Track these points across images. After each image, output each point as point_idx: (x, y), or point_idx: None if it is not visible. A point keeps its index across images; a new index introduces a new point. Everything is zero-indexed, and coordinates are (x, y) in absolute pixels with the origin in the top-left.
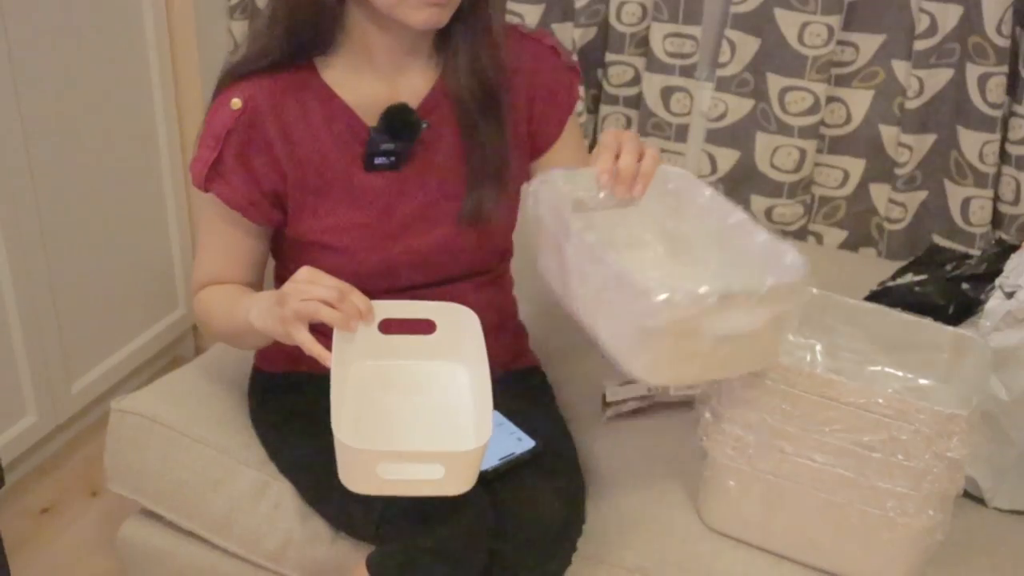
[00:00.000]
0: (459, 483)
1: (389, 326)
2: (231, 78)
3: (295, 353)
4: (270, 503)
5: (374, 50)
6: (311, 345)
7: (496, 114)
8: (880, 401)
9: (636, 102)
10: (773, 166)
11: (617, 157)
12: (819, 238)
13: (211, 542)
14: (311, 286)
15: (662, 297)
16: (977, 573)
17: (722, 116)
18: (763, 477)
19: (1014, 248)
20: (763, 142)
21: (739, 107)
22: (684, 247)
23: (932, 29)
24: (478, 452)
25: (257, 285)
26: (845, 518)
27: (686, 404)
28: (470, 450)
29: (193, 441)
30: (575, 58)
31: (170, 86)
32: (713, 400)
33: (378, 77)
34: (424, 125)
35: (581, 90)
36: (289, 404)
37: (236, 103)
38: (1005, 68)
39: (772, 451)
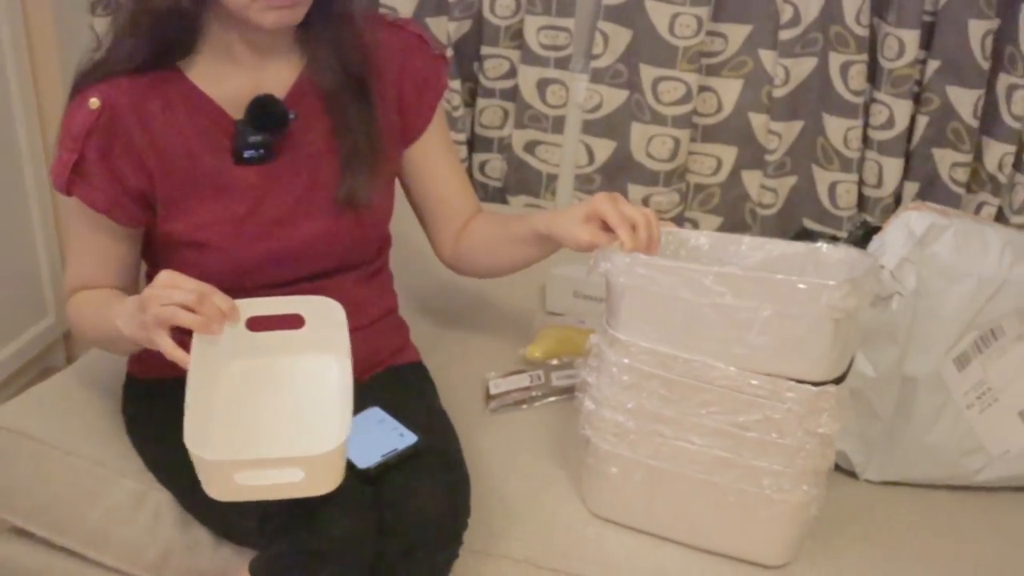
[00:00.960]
0: (322, 484)
1: (258, 323)
2: (89, 80)
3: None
4: (149, 513)
5: (234, 48)
6: (172, 350)
7: (365, 99)
8: (753, 382)
9: (512, 95)
10: (649, 155)
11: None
12: (695, 225)
13: (88, 557)
14: (170, 290)
15: (854, 277)
16: (852, 543)
17: (597, 107)
18: (644, 462)
19: (877, 229)
20: (638, 132)
21: (614, 98)
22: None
23: (796, 19)
24: (337, 452)
25: (131, 288)
26: (724, 498)
27: (568, 394)
28: (326, 452)
29: (65, 454)
30: (449, 51)
31: (29, 86)
32: (593, 388)
33: (242, 72)
34: (292, 116)
35: (457, 83)
36: (165, 410)
37: (94, 103)
38: (865, 56)
39: (652, 436)
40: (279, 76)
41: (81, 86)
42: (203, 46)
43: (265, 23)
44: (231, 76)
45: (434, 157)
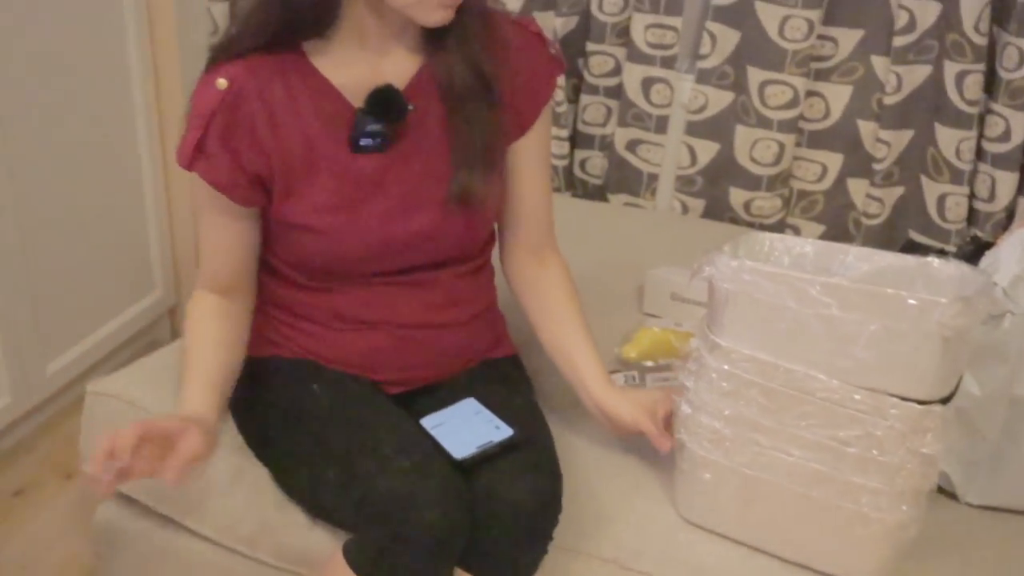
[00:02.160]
0: None
1: None
2: (219, 58)
3: (273, 337)
4: (247, 488)
5: (365, 34)
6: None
7: (488, 100)
8: (856, 397)
9: (617, 92)
10: (752, 159)
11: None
12: (797, 231)
13: (186, 526)
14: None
15: (968, 294)
16: (949, 569)
17: (702, 108)
18: (739, 470)
19: (989, 245)
20: (743, 135)
21: (719, 99)
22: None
23: (911, 25)
24: None
25: (250, 273)
26: (820, 513)
27: None
28: None
29: None
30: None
31: (149, 67)
32: (691, 392)
33: (365, 60)
34: (410, 108)
35: (561, 79)
36: (266, 389)
37: (222, 83)
38: (982, 66)
39: (748, 444)
40: (399, 67)
41: (212, 64)
42: (334, 31)
43: (429, 21)
44: (353, 64)
45: (526, 161)
